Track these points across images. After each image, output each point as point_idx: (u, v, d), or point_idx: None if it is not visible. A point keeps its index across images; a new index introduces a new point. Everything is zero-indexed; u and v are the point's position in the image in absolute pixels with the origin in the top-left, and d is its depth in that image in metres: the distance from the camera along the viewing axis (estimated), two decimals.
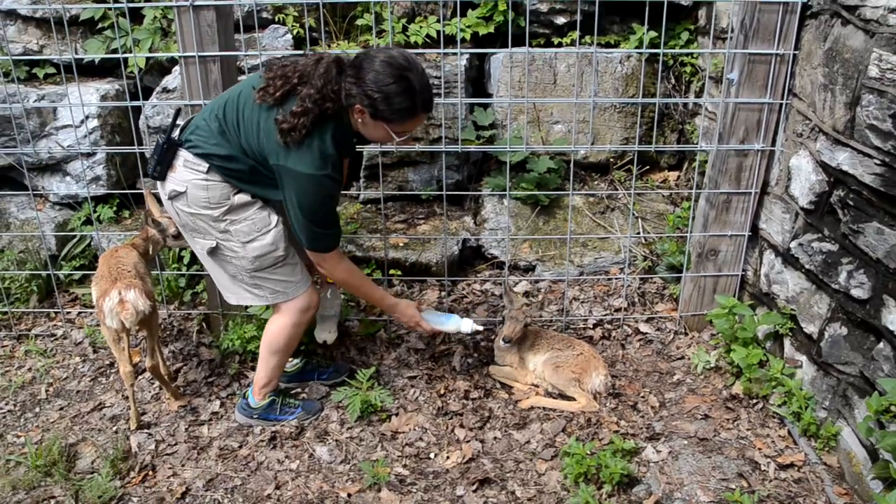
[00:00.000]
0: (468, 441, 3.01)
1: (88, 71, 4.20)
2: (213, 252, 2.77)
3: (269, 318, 2.98)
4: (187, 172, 2.65)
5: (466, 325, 3.12)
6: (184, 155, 2.66)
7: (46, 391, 3.40)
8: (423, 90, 2.51)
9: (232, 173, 2.65)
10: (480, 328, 3.19)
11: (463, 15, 4.02)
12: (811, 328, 2.99)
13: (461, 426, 3.08)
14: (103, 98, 4.05)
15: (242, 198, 2.69)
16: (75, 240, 4.06)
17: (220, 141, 2.61)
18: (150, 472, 2.91)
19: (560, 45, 4.06)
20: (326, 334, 3.20)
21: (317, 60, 2.52)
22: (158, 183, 2.76)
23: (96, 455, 2.99)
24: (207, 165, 2.63)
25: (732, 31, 3.19)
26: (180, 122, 2.78)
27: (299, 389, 3.30)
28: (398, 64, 2.45)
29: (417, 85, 2.48)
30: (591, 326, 3.66)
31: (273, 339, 2.94)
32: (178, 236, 3.20)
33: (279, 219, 2.77)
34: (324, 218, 2.65)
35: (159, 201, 3.04)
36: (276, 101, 2.52)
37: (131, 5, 3.48)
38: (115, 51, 3.80)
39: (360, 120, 2.57)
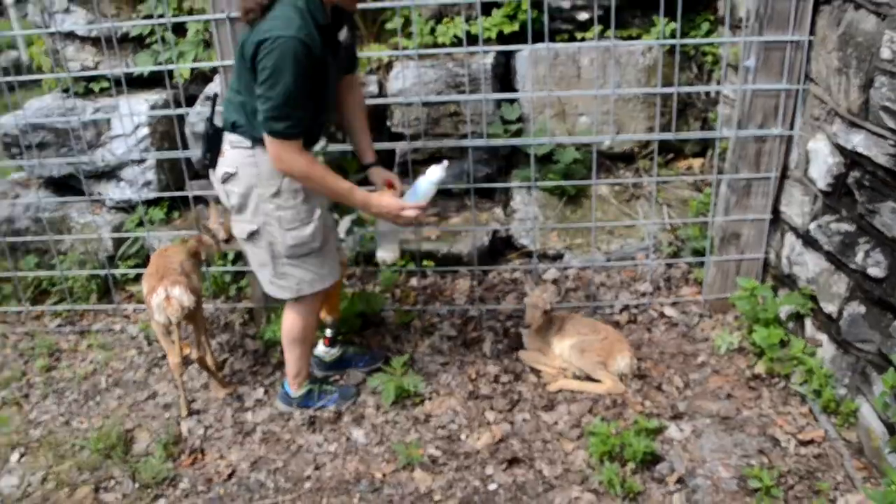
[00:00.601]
0: (498, 423, 3.14)
1: (139, 83, 4.45)
2: (252, 236, 2.86)
3: (284, 311, 3.10)
4: (235, 153, 2.75)
5: (435, 175, 2.87)
6: (229, 137, 2.76)
7: (106, 381, 3.65)
8: None
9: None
10: (443, 173, 2.88)
11: (488, 14, 4.14)
12: (831, 308, 3.04)
13: (491, 409, 3.22)
14: (152, 108, 4.30)
15: (293, 184, 2.76)
16: (129, 241, 4.33)
17: (240, 114, 2.70)
18: (200, 455, 3.11)
19: (583, 39, 4.15)
20: (388, 253, 3.12)
21: None
22: (211, 171, 2.88)
23: (151, 439, 3.21)
24: (251, 141, 2.71)
25: (748, 19, 3.26)
26: (219, 108, 2.90)
27: (337, 377, 3.48)
28: None
29: None
30: (618, 311, 3.75)
31: (289, 330, 3.08)
32: (228, 240, 3.42)
33: (321, 213, 2.87)
34: (286, 94, 2.50)
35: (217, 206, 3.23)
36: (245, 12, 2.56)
37: (175, 19, 3.71)
38: (161, 63, 4.05)
39: None
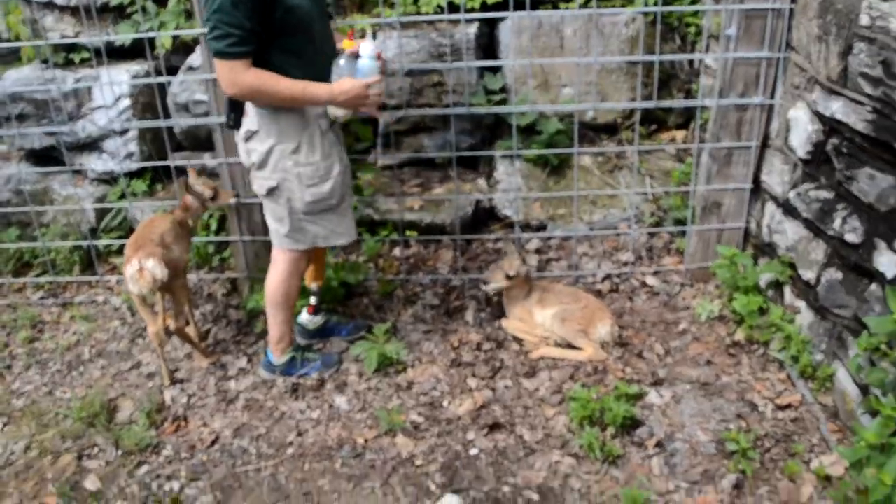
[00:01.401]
0: (480, 389, 3.17)
1: (120, 54, 4.41)
2: (272, 192, 2.90)
3: (269, 270, 3.12)
4: (256, 112, 2.79)
5: (367, 49, 2.74)
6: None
7: (89, 352, 3.65)
8: None
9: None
10: (372, 43, 2.76)
11: None
12: (809, 275, 3.07)
13: (473, 376, 3.25)
14: (134, 77, 4.26)
15: (313, 135, 2.81)
16: (112, 212, 4.31)
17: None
18: (183, 423, 3.13)
19: (566, 9, 4.14)
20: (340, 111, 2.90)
21: None
22: (235, 132, 2.93)
23: (134, 408, 3.22)
24: None
25: None
26: None
27: (321, 345, 3.49)
28: None
29: None
30: (600, 280, 3.78)
31: (272, 293, 3.11)
32: (214, 197, 3.42)
33: (340, 169, 2.92)
34: (220, 6, 2.47)
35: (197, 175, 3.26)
36: None
37: None
38: (142, 33, 4.01)
39: None
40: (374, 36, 2.73)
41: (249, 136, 2.87)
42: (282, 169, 2.84)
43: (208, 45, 2.59)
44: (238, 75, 2.59)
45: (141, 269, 3.07)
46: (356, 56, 2.77)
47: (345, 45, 2.79)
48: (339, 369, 3.32)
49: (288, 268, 3.07)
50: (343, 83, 2.71)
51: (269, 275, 3.11)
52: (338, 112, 2.82)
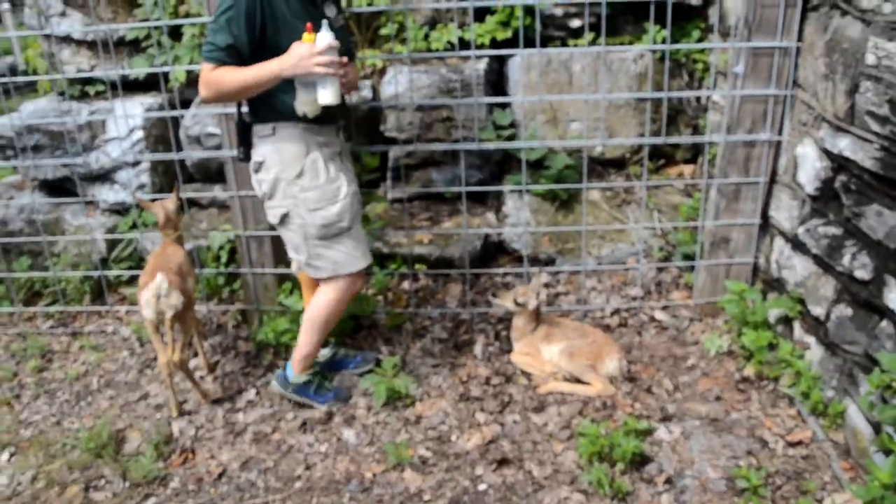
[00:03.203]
0: (488, 424, 3.16)
1: (134, 87, 4.48)
2: (284, 220, 2.98)
3: (317, 291, 3.15)
4: (262, 143, 2.90)
5: (324, 39, 2.63)
6: (255, 129, 2.91)
7: (98, 382, 3.65)
8: None
9: (283, 107, 2.80)
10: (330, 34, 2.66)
11: (482, 21, 4.18)
12: (818, 310, 3.07)
13: (482, 410, 3.23)
14: (147, 110, 4.32)
15: (315, 161, 2.88)
16: (123, 243, 4.34)
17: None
18: (190, 455, 3.12)
19: (575, 46, 4.20)
20: (307, 107, 2.83)
21: None
22: (247, 165, 3.00)
23: (142, 439, 3.21)
24: (272, 126, 2.85)
25: (737, 26, 3.30)
26: (244, 108, 2.99)
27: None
28: None
29: None
30: (609, 315, 3.78)
31: (316, 312, 3.11)
32: (180, 209, 3.51)
33: (348, 191, 2.96)
34: (217, 15, 2.64)
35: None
36: None
37: (171, 23, 3.75)
38: (158, 67, 4.08)
39: None
40: (332, 26, 2.70)
41: (258, 168, 2.95)
42: (290, 196, 2.91)
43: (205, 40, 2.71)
44: (205, 75, 2.70)
45: (157, 295, 3.09)
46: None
47: (305, 38, 2.64)
48: (347, 403, 3.32)
49: (340, 293, 3.07)
50: (293, 49, 2.63)
51: (319, 294, 3.12)
52: (326, 100, 2.69)
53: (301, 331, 3.21)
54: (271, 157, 2.89)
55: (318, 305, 3.11)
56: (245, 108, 2.97)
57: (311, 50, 2.58)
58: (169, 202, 3.47)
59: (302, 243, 3.00)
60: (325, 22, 2.65)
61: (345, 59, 2.68)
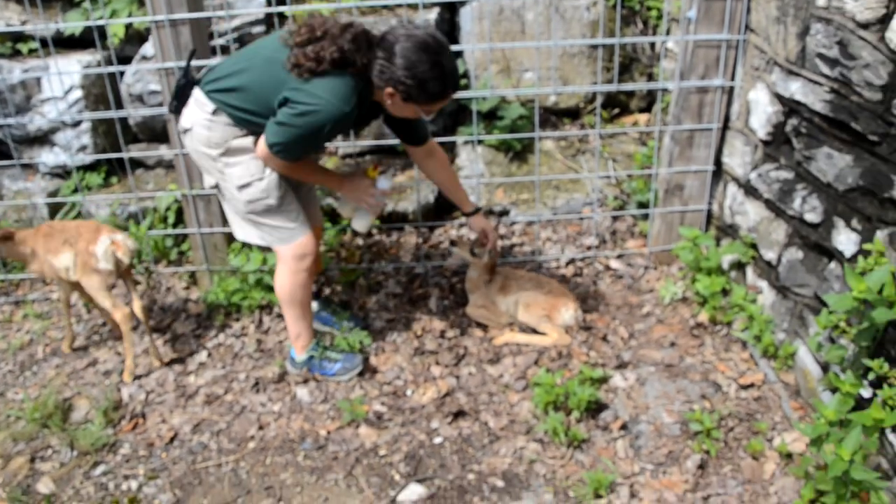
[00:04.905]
0: (444, 377, 3.14)
1: (69, 44, 4.28)
2: (217, 189, 2.94)
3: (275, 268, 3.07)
4: (196, 110, 2.78)
5: (383, 185, 3.04)
6: (196, 94, 2.79)
7: (43, 351, 3.54)
8: (454, 71, 2.60)
9: (237, 113, 2.72)
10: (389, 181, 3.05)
11: None
12: (770, 255, 3.08)
13: (437, 364, 3.21)
14: (85, 68, 4.14)
15: (241, 142, 2.79)
16: (66, 207, 4.19)
17: (234, 82, 2.69)
18: (141, 420, 3.05)
19: None
20: (362, 222, 3.14)
21: (344, 27, 2.55)
22: (175, 117, 2.92)
23: (90, 407, 3.13)
24: (214, 107, 2.74)
25: None
26: (194, 63, 2.92)
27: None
28: (431, 48, 2.51)
29: (449, 67, 2.56)
30: (564, 265, 3.76)
31: (280, 291, 3.02)
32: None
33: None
34: (296, 140, 2.64)
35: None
36: (297, 45, 2.56)
37: None
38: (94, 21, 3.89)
39: (389, 101, 2.63)
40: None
41: (184, 132, 2.86)
42: (216, 170, 2.85)
43: (267, 135, 2.67)
44: (280, 164, 2.77)
45: (114, 242, 3.05)
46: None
47: (369, 173, 3.00)
48: (363, 371, 3.19)
49: (290, 264, 2.97)
50: (354, 178, 2.97)
51: (276, 272, 3.04)
52: (358, 227, 3.14)
53: (282, 312, 3.15)
54: (199, 131, 2.78)
55: (277, 280, 3.03)
56: (195, 71, 2.91)
57: (371, 189, 2.94)
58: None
59: (232, 213, 2.98)
60: (385, 175, 3.02)
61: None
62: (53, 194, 4.26)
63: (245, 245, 3.61)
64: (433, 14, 4.04)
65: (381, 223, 3.97)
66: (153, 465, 2.83)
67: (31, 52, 4.28)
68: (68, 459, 2.88)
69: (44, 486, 2.77)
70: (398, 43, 2.50)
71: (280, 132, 2.62)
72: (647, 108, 4.37)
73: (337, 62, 2.51)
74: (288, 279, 2.99)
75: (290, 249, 2.94)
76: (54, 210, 4.22)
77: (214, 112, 2.74)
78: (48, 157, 4.28)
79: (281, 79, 2.58)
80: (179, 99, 2.83)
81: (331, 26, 2.55)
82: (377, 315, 3.51)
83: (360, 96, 2.61)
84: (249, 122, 2.73)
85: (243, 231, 3.01)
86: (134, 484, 2.75)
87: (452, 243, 3.43)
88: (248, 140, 2.79)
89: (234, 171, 2.80)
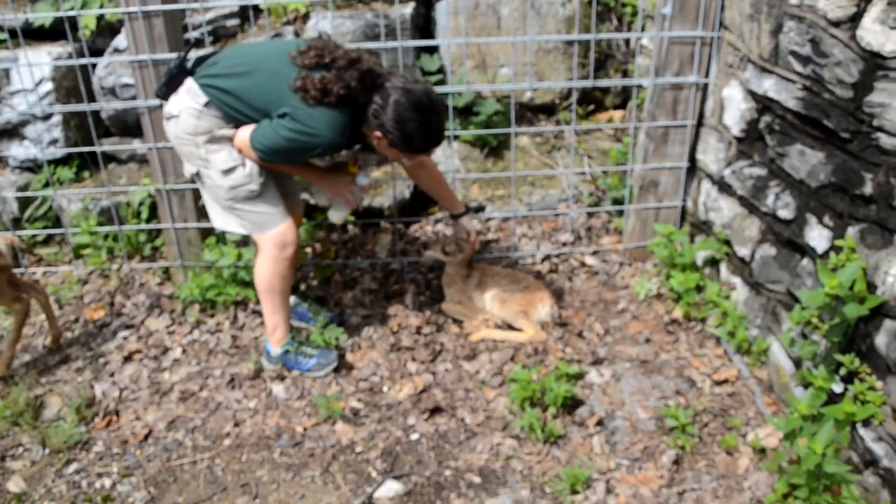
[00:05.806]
0: (420, 373, 3.14)
1: (40, 35, 4.21)
2: (197, 177, 2.96)
3: (255, 258, 3.08)
4: (187, 99, 2.81)
5: (362, 181, 3.13)
6: (189, 84, 2.82)
7: None
8: (440, 130, 2.78)
9: (230, 111, 2.78)
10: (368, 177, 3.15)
11: None
12: (744, 251, 3.12)
13: (413, 360, 3.21)
14: (56, 60, 4.07)
15: (227, 132, 2.84)
16: (37, 202, 4.12)
17: (236, 84, 2.74)
18: (114, 417, 3.02)
19: None
20: (340, 213, 3.19)
21: (351, 61, 2.66)
22: (163, 102, 2.94)
23: (62, 404, 3.09)
24: (207, 99, 2.78)
25: None
26: (192, 54, 2.92)
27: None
28: (424, 107, 2.67)
29: (436, 126, 2.74)
30: (539, 261, 3.77)
31: (259, 280, 3.01)
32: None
33: None
34: (281, 149, 2.75)
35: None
36: (304, 67, 2.66)
37: None
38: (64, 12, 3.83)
39: (375, 140, 2.79)
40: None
41: (169, 118, 2.88)
42: (198, 157, 2.86)
43: (254, 137, 2.77)
44: (254, 154, 2.83)
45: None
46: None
47: (349, 168, 3.09)
48: (337, 367, 3.18)
49: (271, 252, 2.96)
50: (335, 173, 3.07)
51: (257, 261, 3.03)
52: (335, 218, 3.17)
53: (261, 304, 3.13)
54: (187, 119, 2.81)
55: (257, 270, 3.01)
56: (190, 63, 2.90)
57: (349, 185, 3.03)
58: None
59: (212, 202, 2.98)
60: (364, 171, 3.09)
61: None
62: (24, 189, 4.18)
63: (220, 241, 3.58)
64: (409, 8, 4.03)
65: (357, 219, 3.95)
66: (127, 462, 2.80)
67: (0, 42, 4.20)
68: (40, 457, 2.84)
69: (14, 485, 2.73)
70: (393, 95, 2.66)
71: (271, 137, 2.72)
72: (622, 105, 4.39)
73: (341, 98, 2.63)
74: (267, 267, 2.98)
75: (270, 238, 2.95)
76: (24, 204, 4.15)
77: (207, 104, 2.79)
78: (18, 151, 4.20)
79: (284, 94, 2.67)
80: (169, 86, 2.85)
81: (339, 56, 2.65)
82: (353, 311, 3.50)
83: (353, 126, 2.76)
84: (240, 120, 2.80)
85: (223, 219, 3.02)
86: (108, 482, 2.72)
87: (425, 246, 3.44)
88: (234, 130, 2.85)
89: (219, 156, 2.84)
